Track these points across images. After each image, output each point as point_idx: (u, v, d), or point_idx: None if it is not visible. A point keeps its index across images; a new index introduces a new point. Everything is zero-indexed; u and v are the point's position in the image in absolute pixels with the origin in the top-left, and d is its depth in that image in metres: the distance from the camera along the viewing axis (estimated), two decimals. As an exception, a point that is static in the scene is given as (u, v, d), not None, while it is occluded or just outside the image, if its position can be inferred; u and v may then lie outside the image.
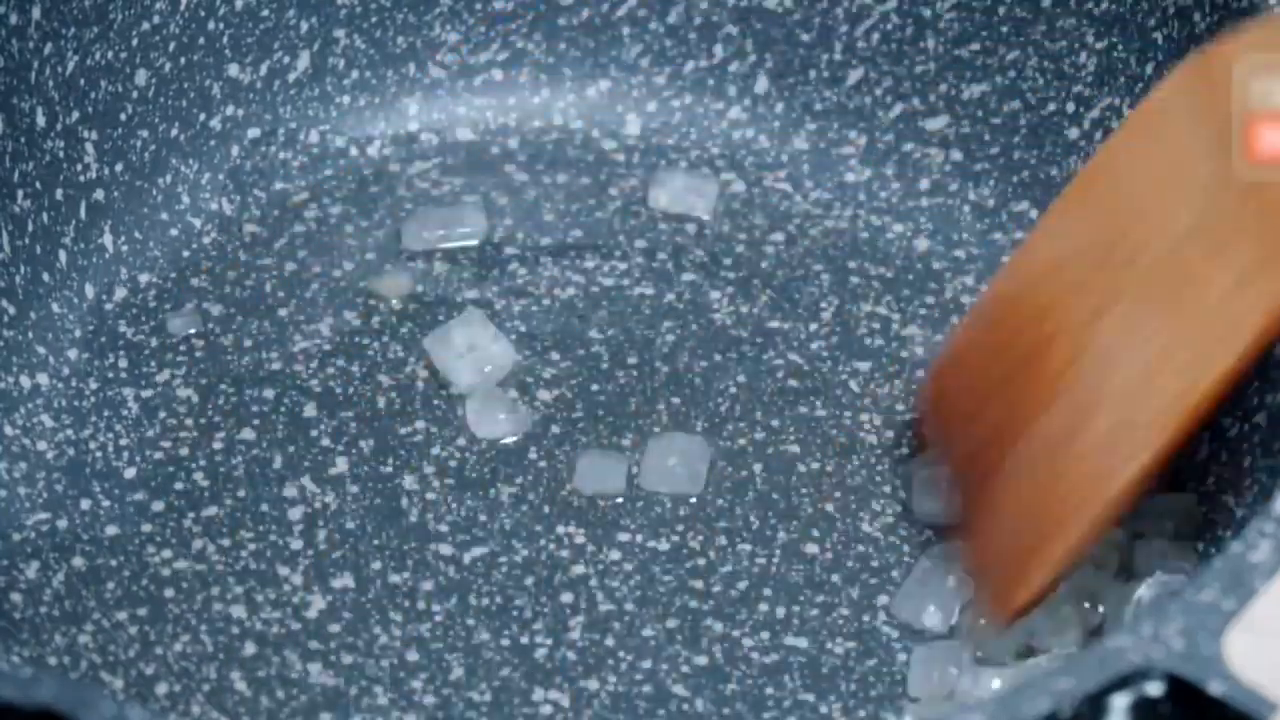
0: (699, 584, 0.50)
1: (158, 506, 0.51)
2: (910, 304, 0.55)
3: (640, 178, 0.58)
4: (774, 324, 0.55)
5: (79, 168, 0.55)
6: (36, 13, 0.53)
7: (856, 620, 0.49)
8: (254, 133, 0.58)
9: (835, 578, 0.50)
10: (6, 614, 0.49)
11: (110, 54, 0.55)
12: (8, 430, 0.52)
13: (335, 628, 0.49)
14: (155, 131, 0.56)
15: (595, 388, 0.54)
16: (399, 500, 0.51)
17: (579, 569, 0.50)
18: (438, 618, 0.49)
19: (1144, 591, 0.46)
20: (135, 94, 0.56)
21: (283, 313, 0.55)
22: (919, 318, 0.55)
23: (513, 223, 0.57)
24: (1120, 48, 0.55)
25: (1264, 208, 0.42)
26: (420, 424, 0.53)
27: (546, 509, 0.51)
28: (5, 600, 0.49)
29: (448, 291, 0.56)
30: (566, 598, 0.50)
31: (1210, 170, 0.43)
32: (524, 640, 0.49)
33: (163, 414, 0.53)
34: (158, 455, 0.52)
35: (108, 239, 0.56)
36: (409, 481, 0.52)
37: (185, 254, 0.56)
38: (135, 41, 0.55)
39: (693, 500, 0.52)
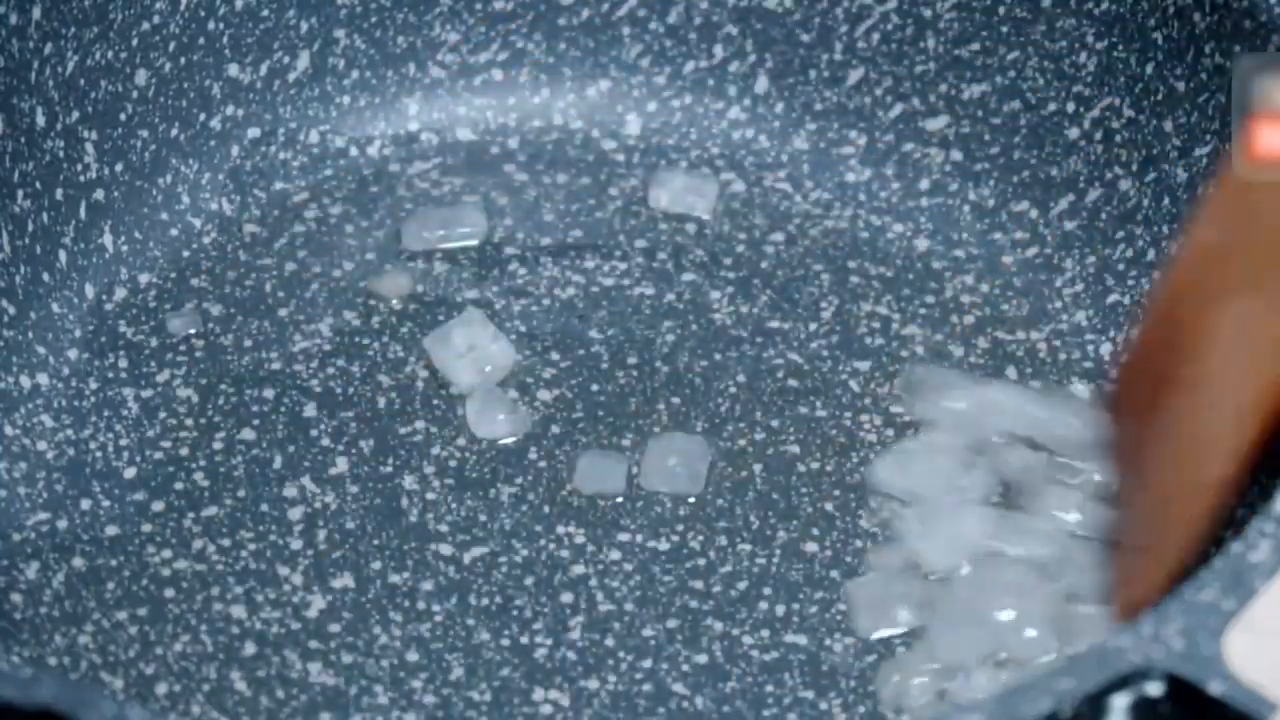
0: (699, 583, 0.50)
1: (158, 506, 0.51)
2: (910, 304, 0.55)
3: (640, 178, 0.58)
4: (774, 324, 0.55)
5: (79, 168, 0.55)
6: (36, 13, 0.53)
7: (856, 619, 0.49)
8: (254, 133, 0.58)
9: (835, 575, 0.50)
10: (6, 614, 0.48)
11: (110, 54, 0.55)
12: (8, 430, 0.52)
13: (335, 627, 0.49)
14: (155, 131, 0.56)
15: (595, 388, 0.54)
16: (399, 500, 0.51)
17: (579, 569, 0.50)
18: (438, 618, 0.49)
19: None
20: (135, 94, 0.55)
21: (283, 313, 0.55)
22: (919, 317, 0.55)
23: (513, 223, 0.57)
24: (1120, 48, 0.55)
25: None
26: (420, 424, 0.53)
27: (546, 509, 0.51)
28: (5, 600, 0.49)
29: (448, 291, 0.56)
30: (566, 597, 0.50)
31: None
32: (524, 640, 0.49)
33: (163, 414, 0.53)
34: (158, 455, 0.52)
35: (108, 239, 0.55)
36: (409, 481, 0.52)
37: (185, 254, 0.56)
38: (135, 41, 0.55)
39: (692, 500, 0.52)
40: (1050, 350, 0.54)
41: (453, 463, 0.52)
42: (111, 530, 0.51)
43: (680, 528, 0.51)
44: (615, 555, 0.50)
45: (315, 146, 0.58)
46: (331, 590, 0.50)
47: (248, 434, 0.52)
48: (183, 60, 0.56)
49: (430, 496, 0.51)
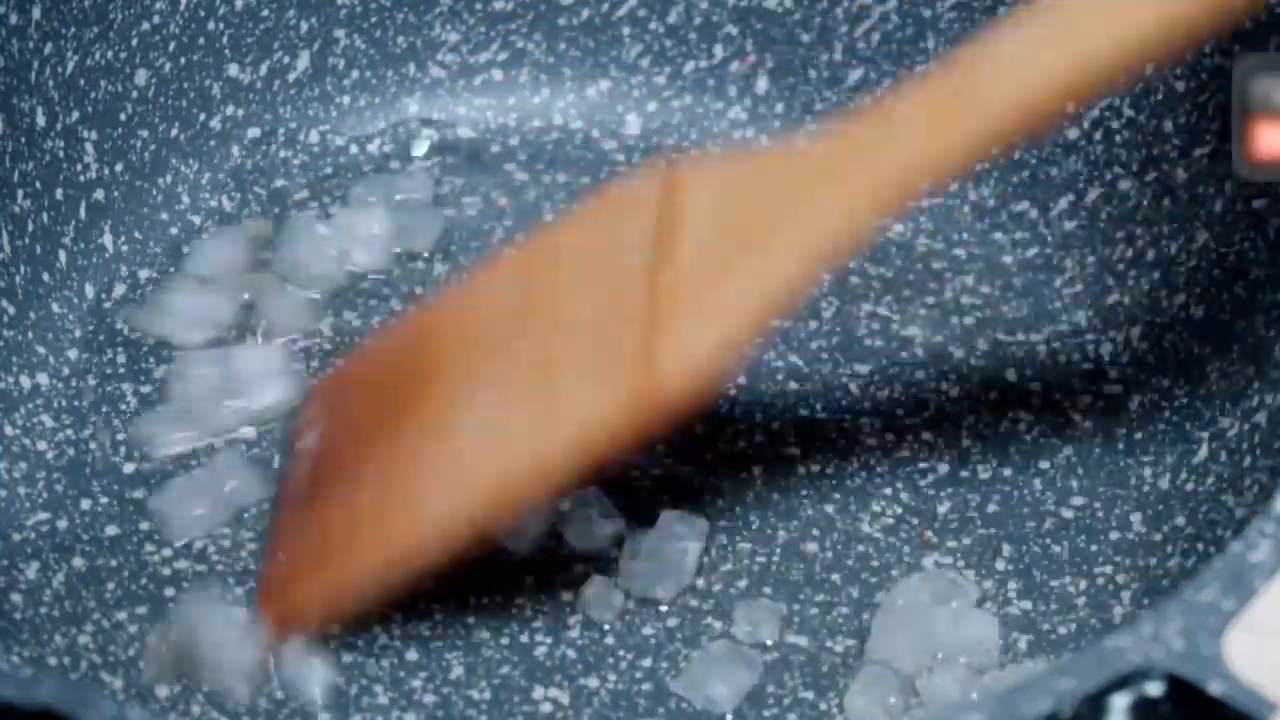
0: (699, 582, 0.50)
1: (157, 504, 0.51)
2: (910, 304, 0.55)
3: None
4: (773, 323, 0.55)
5: (79, 168, 0.55)
6: (36, 13, 0.53)
7: (856, 619, 0.49)
8: (254, 133, 0.58)
9: (835, 577, 0.50)
10: (6, 614, 0.48)
11: (110, 54, 0.55)
12: (8, 430, 0.52)
13: (334, 627, 0.49)
14: (155, 131, 0.56)
15: (595, 387, 0.54)
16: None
17: (578, 567, 0.50)
18: (438, 617, 0.49)
19: None
20: (135, 94, 0.55)
21: (286, 309, 0.55)
22: (919, 318, 0.55)
23: (512, 222, 0.57)
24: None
25: (659, 309, 0.41)
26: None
27: (546, 507, 0.51)
28: (5, 600, 0.49)
29: (448, 292, 0.56)
30: (566, 595, 0.50)
31: (637, 259, 0.42)
32: (524, 638, 0.49)
33: (163, 408, 0.52)
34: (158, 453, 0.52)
35: (108, 239, 0.55)
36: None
37: (185, 250, 0.55)
38: (135, 41, 0.55)
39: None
40: (1050, 353, 0.54)
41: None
42: (112, 530, 0.50)
43: (681, 527, 0.51)
44: (613, 554, 0.50)
45: (315, 146, 0.58)
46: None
47: (248, 432, 0.52)
48: (183, 60, 0.56)
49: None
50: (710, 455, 0.53)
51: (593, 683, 0.48)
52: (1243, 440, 0.49)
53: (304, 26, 0.58)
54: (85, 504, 0.51)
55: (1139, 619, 0.38)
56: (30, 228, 0.54)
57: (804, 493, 0.52)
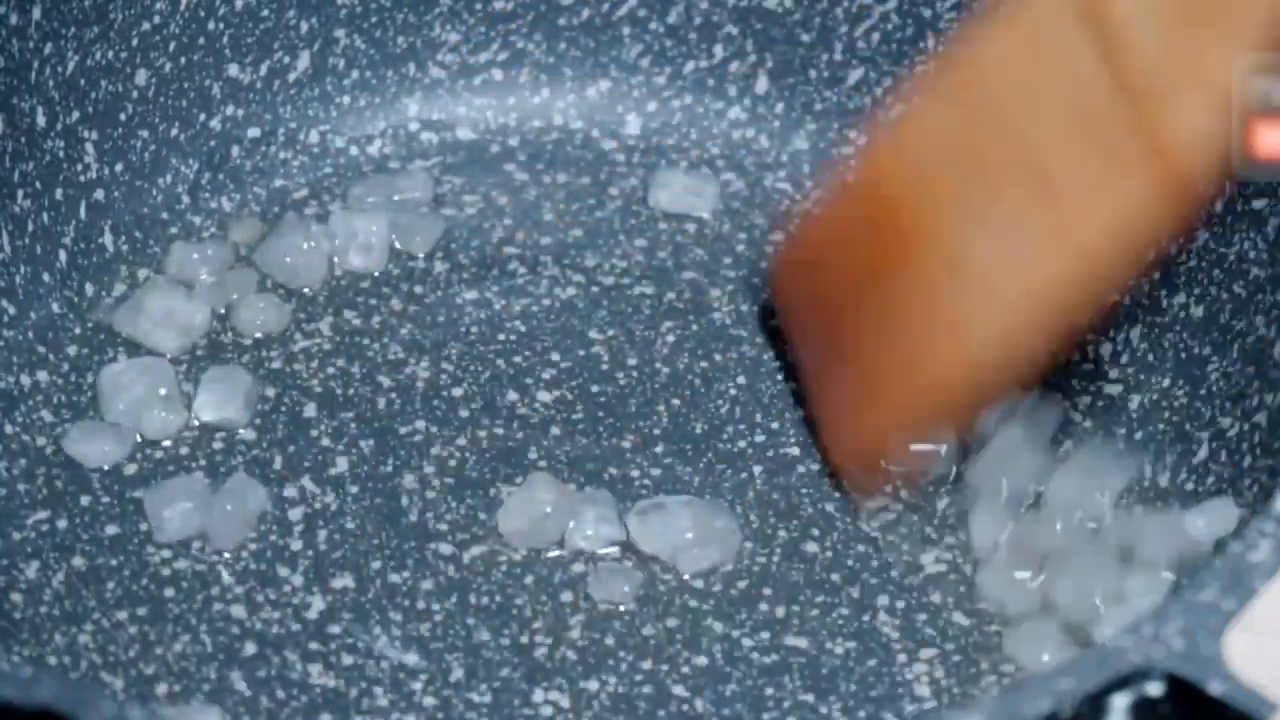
0: (699, 583, 0.50)
1: (157, 503, 0.51)
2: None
3: (640, 178, 0.58)
4: (774, 323, 0.55)
5: (79, 168, 0.55)
6: (37, 13, 0.53)
7: (856, 620, 0.49)
8: (254, 133, 0.58)
9: (835, 577, 0.50)
10: (6, 614, 0.48)
11: (110, 54, 0.55)
12: (8, 429, 0.52)
13: (335, 628, 0.49)
14: (155, 131, 0.56)
15: (595, 388, 0.54)
16: (399, 500, 0.51)
17: (578, 567, 0.50)
18: (438, 618, 0.49)
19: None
20: (135, 94, 0.55)
21: (286, 309, 0.55)
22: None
23: (512, 222, 0.57)
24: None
25: (1138, 101, 0.41)
26: (420, 424, 0.53)
27: (549, 507, 0.51)
28: (5, 600, 0.49)
29: (447, 292, 0.56)
30: (566, 597, 0.50)
31: (1084, 66, 0.42)
32: (524, 640, 0.49)
33: (161, 410, 0.52)
34: (158, 454, 0.52)
35: (108, 239, 0.55)
36: (409, 481, 0.52)
37: (168, 253, 0.55)
38: (135, 41, 0.55)
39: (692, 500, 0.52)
40: (1049, 352, 0.54)
41: (453, 462, 0.52)
42: (112, 529, 0.50)
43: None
44: (615, 553, 0.50)
45: (315, 146, 0.58)
46: (331, 591, 0.50)
47: (248, 434, 0.52)
48: (183, 60, 0.56)
49: (430, 496, 0.51)
50: (710, 455, 0.52)
51: (593, 685, 0.48)
52: (1243, 440, 0.49)
53: (304, 26, 0.58)
54: (85, 501, 0.51)
55: (1139, 620, 0.38)
56: (30, 228, 0.54)
57: (804, 492, 0.52)
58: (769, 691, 0.48)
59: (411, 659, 0.48)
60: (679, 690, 0.48)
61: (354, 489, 0.51)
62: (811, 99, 0.58)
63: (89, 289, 0.55)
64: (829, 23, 0.58)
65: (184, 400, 0.52)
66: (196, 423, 0.52)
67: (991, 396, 0.44)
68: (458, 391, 0.54)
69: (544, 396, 0.53)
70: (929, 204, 0.44)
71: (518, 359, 0.54)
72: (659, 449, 0.53)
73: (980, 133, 0.44)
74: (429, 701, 0.48)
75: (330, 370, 0.54)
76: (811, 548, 0.51)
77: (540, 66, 0.58)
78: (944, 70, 0.46)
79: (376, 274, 0.56)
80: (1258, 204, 0.52)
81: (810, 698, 0.48)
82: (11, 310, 0.53)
